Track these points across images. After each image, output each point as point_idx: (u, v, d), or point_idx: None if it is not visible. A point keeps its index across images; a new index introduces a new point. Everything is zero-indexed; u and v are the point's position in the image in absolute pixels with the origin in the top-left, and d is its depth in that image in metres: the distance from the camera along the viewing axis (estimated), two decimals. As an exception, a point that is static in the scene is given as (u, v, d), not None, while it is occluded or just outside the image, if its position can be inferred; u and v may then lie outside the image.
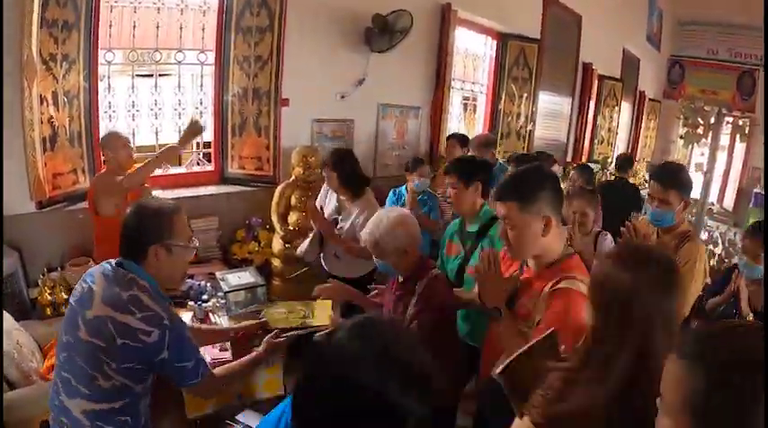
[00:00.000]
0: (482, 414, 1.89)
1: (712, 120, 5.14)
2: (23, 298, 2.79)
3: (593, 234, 2.74)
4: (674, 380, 0.81)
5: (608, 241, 2.72)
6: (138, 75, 3.44)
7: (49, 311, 2.70)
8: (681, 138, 6.39)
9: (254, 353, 1.87)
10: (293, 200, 3.42)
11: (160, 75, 3.54)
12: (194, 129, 2.92)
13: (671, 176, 2.16)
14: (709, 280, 2.92)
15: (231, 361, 1.97)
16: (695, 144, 4.82)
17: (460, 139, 4.19)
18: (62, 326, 1.52)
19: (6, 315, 2.33)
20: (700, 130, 4.53)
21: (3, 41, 2.44)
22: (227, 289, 2.79)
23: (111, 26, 3.19)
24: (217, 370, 1.71)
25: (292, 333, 2.02)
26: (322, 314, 2.19)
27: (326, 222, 2.90)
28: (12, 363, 2.14)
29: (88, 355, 1.41)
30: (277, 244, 3.39)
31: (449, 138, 4.35)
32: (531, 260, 1.63)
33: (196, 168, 3.81)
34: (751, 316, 2.50)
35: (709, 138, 4.54)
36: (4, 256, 2.62)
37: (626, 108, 8.15)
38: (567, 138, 6.86)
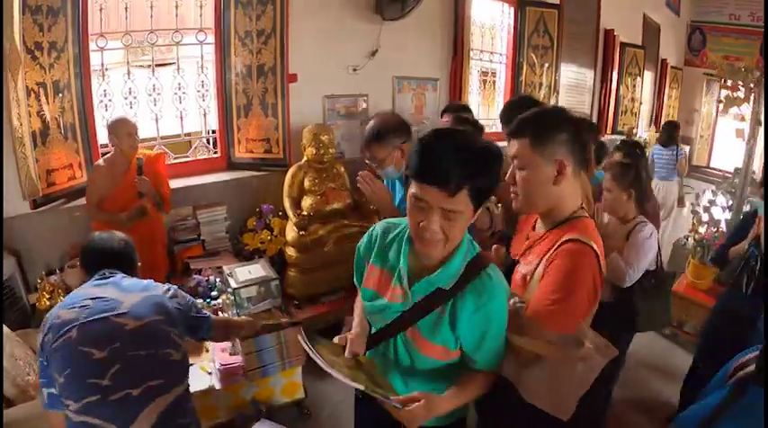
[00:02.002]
0: None
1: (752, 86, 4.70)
2: (23, 304, 2.67)
3: (631, 223, 2.34)
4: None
5: (644, 233, 2.28)
6: (134, 65, 3.25)
7: (48, 318, 2.55)
8: (719, 102, 5.99)
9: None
10: (306, 183, 3.24)
11: (158, 65, 3.34)
12: None
13: None
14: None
15: (242, 366, 2.29)
16: (737, 108, 4.40)
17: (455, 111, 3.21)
18: (85, 348, 1.41)
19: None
20: (740, 94, 4.12)
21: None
22: (235, 285, 2.67)
23: (101, 10, 3.04)
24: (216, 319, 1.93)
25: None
26: None
27: None
28: (7, 378, 1.97)
29: (153, 335, 1.51)
30: (291, 231, 3.20)
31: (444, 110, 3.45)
32: (540, 221, 1.46)
33: (201, 155, 3.61)
34: None
35: (751, 102, 4.12)
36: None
37: (648, 76, 7.83)
38: (591, 109, 6.63)
